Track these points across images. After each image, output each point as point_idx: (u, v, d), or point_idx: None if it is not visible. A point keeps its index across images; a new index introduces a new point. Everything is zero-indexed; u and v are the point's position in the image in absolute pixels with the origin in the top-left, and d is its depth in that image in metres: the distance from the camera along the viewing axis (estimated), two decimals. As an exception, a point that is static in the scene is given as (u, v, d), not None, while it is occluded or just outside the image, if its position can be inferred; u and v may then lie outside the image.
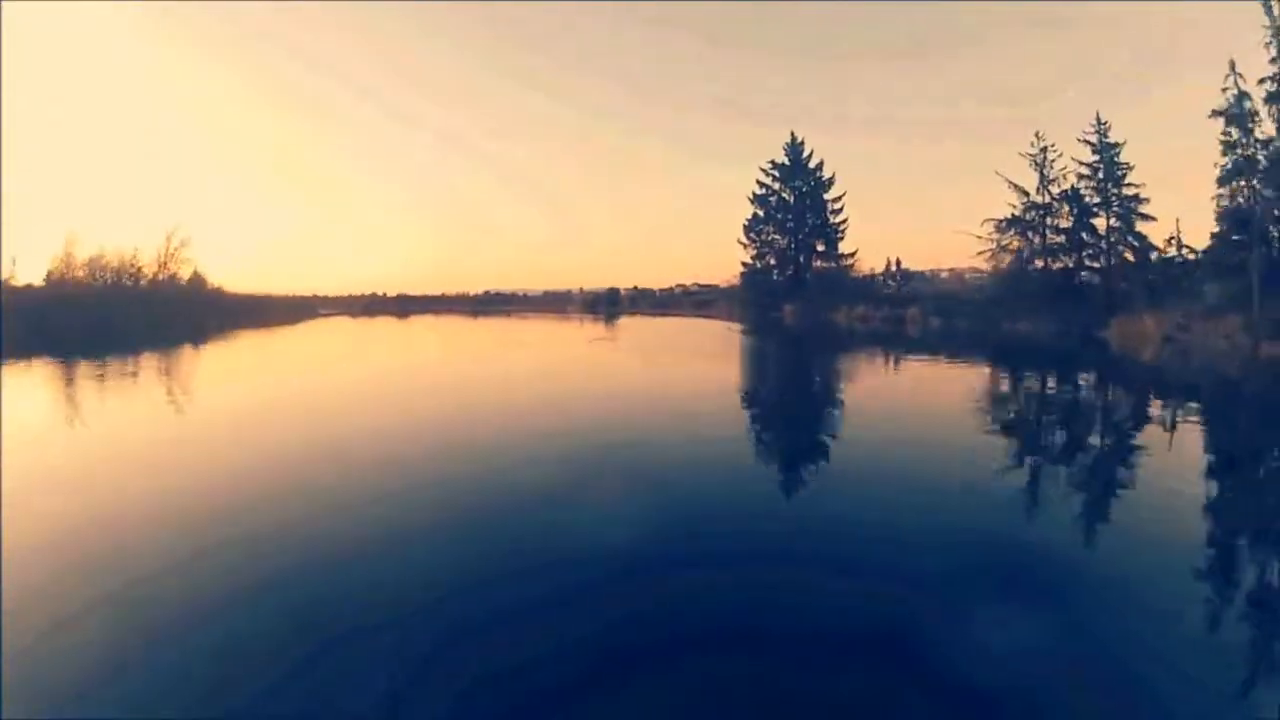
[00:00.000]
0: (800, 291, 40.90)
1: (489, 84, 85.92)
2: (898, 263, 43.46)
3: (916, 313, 33.13)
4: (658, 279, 79.64)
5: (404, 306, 71.31)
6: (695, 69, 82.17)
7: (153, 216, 51.02)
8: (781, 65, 78.50)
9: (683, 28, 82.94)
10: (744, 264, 44.75)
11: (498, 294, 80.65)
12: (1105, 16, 56.91)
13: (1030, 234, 36.30)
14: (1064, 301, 30.67)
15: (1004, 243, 36.56)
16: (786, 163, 43.65)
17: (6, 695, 2.33)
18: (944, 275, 41.40)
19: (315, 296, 74.72)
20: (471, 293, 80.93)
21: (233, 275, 61.82)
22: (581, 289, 72.89)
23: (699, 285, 63.51)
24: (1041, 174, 36.29)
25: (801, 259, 43.51)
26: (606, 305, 66.19)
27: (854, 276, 42.08)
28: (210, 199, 75.53)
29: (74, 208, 54.46)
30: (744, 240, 44.29)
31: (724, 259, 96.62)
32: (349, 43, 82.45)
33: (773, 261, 44.22)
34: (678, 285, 67.32)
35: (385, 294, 79.79)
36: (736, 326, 31.87)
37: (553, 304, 71.30)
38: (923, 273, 43.65)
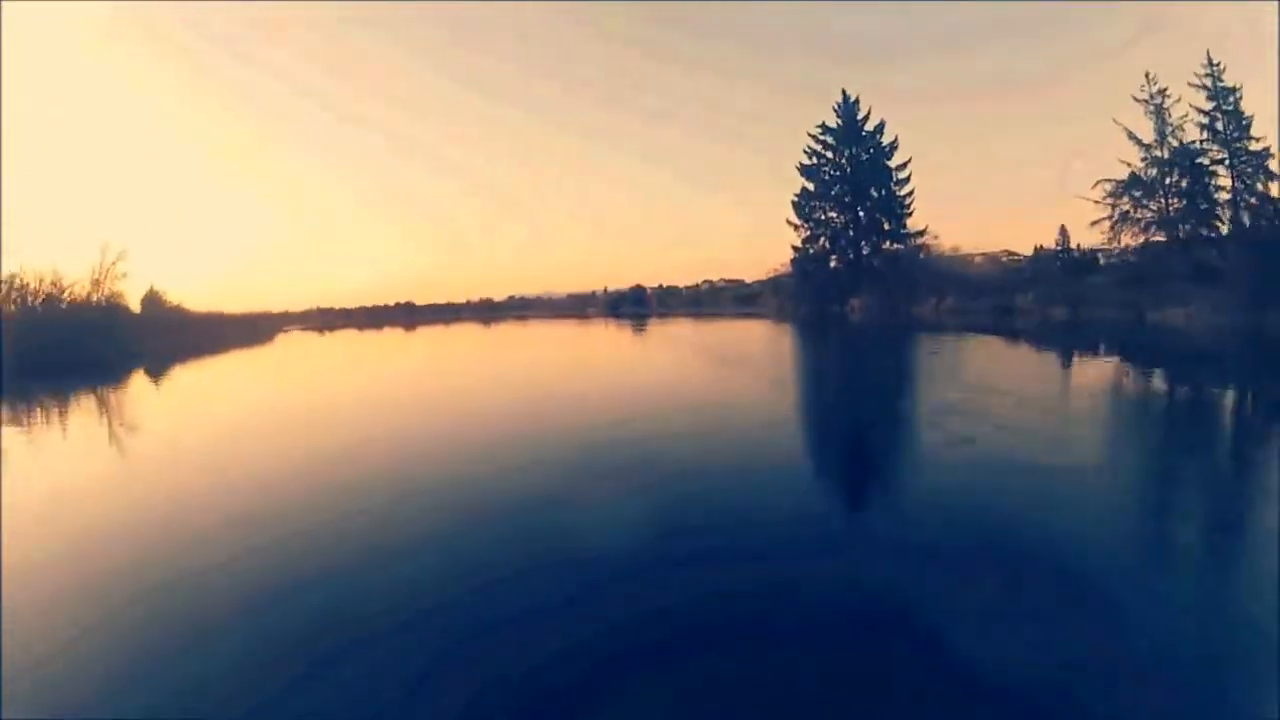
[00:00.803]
0: (867, 280, 33.36)
1: (450, 91, 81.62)
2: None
3: (1029, 301, 25.44)
4: (683, 275, 74.86)
5: (412, 316, 67.05)
6: (661, 73, 78.09)
7: (107, 236, 45.82)
8: (763, 67, 73.77)
9: (659, 31, 78.94)
10: (794, 248, 36.97)
11: (521, 299, 77.32)
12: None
13: (1149, 199, 28.32)
14: (1204, 283, 22.76)
15: (1124, 208, 28.67)
16: (839, 125, 36.09)
17: (6, 696, 2.32)
18: (978, 260, 33.47)
19: (318, 310, 71.01)
20: (495, 299, 77.74)
21: (207, 293, 57.04)
22: (606, 289, 67.44)
23: (725, 280, 57.83)
24: (1160, 121, 28.18)
25: (863, 241, 35.90)
26: (631, 306, 60.26)
27: (930, 258, 34.24)
28: (176, 215, 72.23)
29: (22, 227, 49.31)
30: (794, 220, 36.63)
31: (755, 253, 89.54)
32: (310, 52, 78.90)
33: (827, 244, 36.67)
34: (704, 281, 61.28)
35: (392, 304, 75.94)
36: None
37: (575, 307, 66.74)
38: (956, 258, 35.53)
